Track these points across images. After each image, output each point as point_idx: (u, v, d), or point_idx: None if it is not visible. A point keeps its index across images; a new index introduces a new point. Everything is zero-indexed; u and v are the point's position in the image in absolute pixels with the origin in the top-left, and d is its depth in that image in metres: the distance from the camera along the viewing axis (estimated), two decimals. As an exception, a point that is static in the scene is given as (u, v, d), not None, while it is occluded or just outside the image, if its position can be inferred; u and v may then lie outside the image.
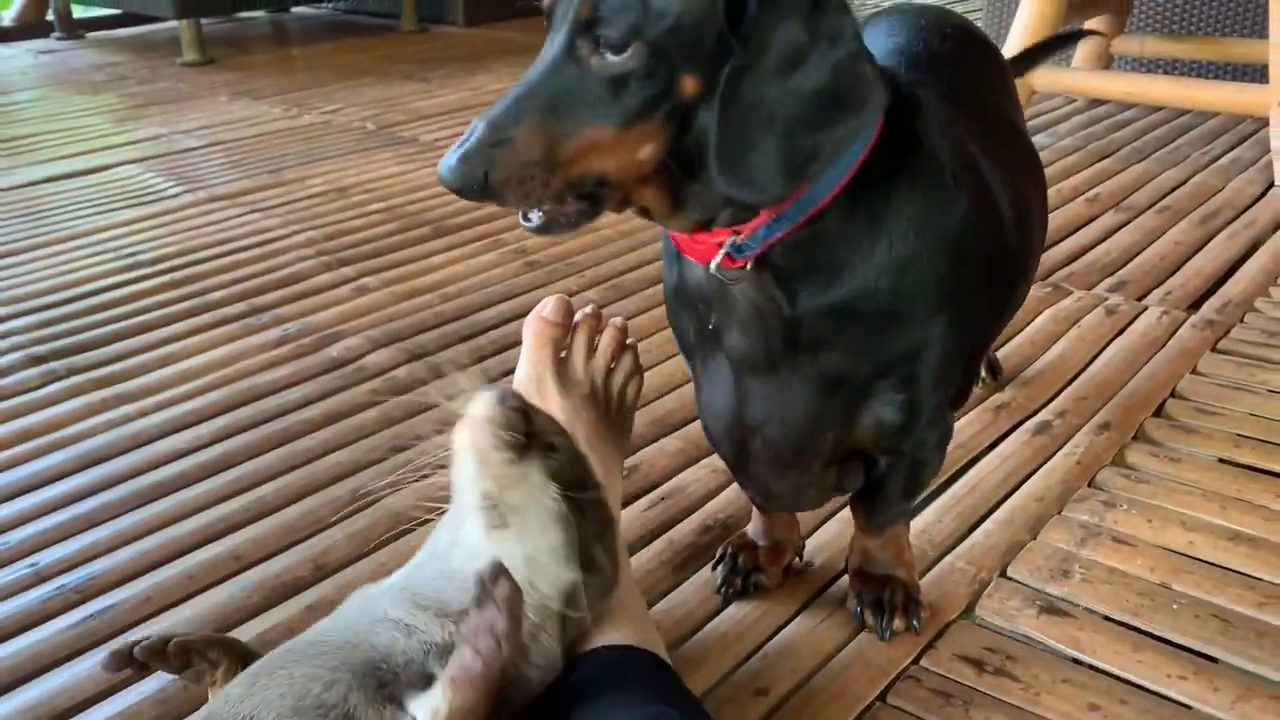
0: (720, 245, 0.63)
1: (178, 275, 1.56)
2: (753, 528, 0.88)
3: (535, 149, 0.56)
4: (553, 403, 0.82)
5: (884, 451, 0.74)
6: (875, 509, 0.79)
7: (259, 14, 4.12)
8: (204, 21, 3.31)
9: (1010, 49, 1.99)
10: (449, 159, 0.56)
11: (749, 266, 0.64)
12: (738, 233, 0.63)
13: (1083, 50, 2.39)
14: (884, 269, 0.65)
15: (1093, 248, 1.59)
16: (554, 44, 0.58)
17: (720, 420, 0.74)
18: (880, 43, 0.86)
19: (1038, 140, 2.12)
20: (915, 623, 0.81)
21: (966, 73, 0.87)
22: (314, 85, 2.89)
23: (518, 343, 1.31)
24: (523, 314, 1.39)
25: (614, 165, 0.58)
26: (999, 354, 1.23)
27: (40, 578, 0.92)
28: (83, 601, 0.89)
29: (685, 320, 0.74)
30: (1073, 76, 2.20)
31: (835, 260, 0.65)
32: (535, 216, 0.60)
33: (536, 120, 0.56)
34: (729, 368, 0.71)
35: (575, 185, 0.58)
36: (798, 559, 0.89)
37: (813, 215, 0.63)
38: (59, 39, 3.74)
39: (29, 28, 3.85)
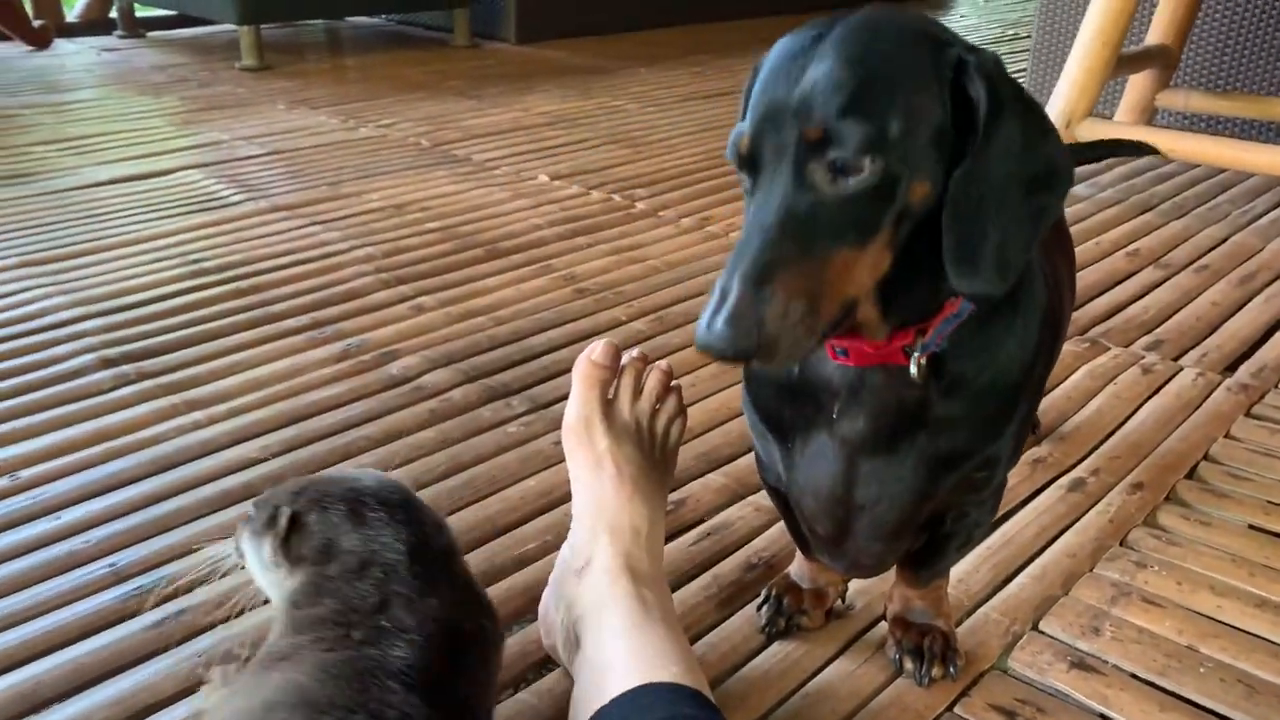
0: (900, 348, 0.64)
1: (242, 284, 1.62)
2: (796, 570, 0.92)
3: (801, 293, 0.54)
4: (600, 442, 0.87)
5: (955, 516, 0.78)
6: (928, 564, 0.83)
7: (316, 22, 4.21)
8: (262, 26, 3.39)
9: (1055, 103, 2.02)
10: (712, 325, 0.53)
11: (925, 362, 0.65)
12: (923, 331, 0.64)
13: (1126, 103, 2.42)
14: (1018, 346, 0.68)
15: (1131, 304, 1.62)
16: (778, 178, 0.56)
17: (822, 500, 0.74)
18: None
19: (1079, 190, 2.16)
20: (952, 670, 0.85)
21: None
22: (369, 97, 2.96)
23: (567, 369, 1.36)
24: (572, 341, 1.46)
25: (863, 284, 0.58)
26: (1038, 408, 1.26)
27: (119, 577, 0.97)
28: (160, 603, 0.94)
29: (789, 409, 0.72)
30: (1115, 130, 2.23)
31: (987, 344, 0.67)
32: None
33: (793, 263, 0.55)
34: (835, 449, 0.70)
35: (834, 316, 0.57)
36: (839, 602, 0.93)
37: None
38: (121, 37, 3.83)
39: (92, 24, 3.95)
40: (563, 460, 1.08)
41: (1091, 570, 1.00)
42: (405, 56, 3.65)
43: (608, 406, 0.89)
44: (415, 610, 0.68)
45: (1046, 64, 2.74)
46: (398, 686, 0.64)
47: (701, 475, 1.15)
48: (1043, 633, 0.92)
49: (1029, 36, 3.09)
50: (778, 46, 0.61)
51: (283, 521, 0.72)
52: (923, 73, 0.58)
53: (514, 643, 0.90)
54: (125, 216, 1.93)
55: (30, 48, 3.58)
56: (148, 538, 1.02)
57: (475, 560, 1.00)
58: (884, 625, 0.91)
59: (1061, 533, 1.06)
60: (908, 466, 0.70)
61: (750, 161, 0.59)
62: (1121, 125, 2.32)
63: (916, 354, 0.64)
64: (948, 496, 0.74)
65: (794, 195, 0.56)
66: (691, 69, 3.44)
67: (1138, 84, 2.38)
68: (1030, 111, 0.60)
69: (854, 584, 0.97)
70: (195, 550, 0.93)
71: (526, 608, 0.94)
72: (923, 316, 0.64)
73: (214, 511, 1.06)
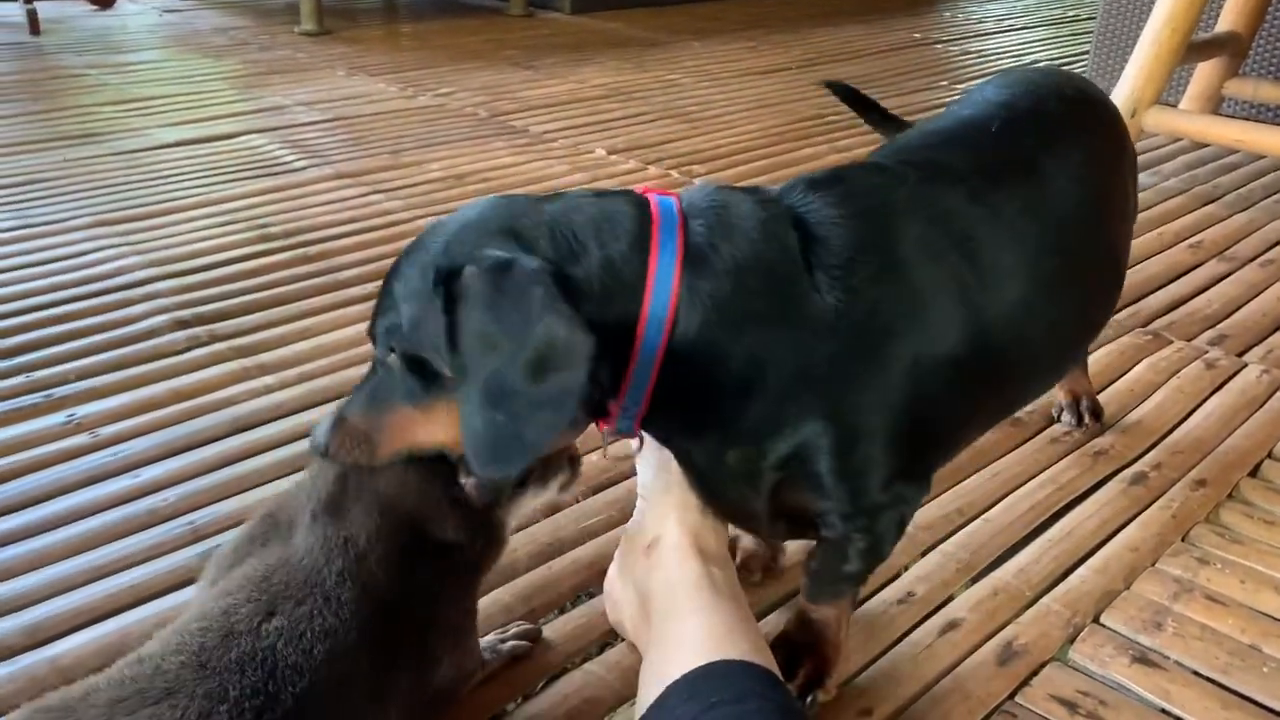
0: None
1: (309, 250, 1.65)
2: None
3: (361, 429, 0.72)
4: None
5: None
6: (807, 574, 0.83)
7: (372, -13, 4.23)
8: (322, -8, 3.42)
9: (1121, 90, 2.00)
10: (314, 436, 0.73)
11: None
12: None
13: (1192, 90, 2.38)
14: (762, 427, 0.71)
15: (1193, 297, 1.61)
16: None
17: None
18: (967, 109, 0.91)
19: (1140, 179, 2.12)
20: (810, 700, 0.82)
21: (1035, 155, 0.85)
22: (426, 66, 2.97)
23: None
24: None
25: (426, 438, 0.71)
26: (1101, 397, 1.26)
27: (198, 536, 1.00)
28: (239, 561, 0.96)
29: None
30: (1182, 119, 2.19)
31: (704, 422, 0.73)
32: None
33: (360, 410, 0.72)
34: None
35: (400, 448, 0.72)
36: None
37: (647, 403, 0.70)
38: (182, -2, 3.88)
39: (154, -15, 3.99)
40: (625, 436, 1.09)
41: (1153, 565, 1.00)
42: (460, 24, 3.66)
43: None
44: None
45: (1110, 47, 2.70)
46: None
47: (763, 456, 1.16)
48: (1104, 626, 0.92)
49: (1092, 18, 3.04)
50: None
51: None
52: (422, 285, 0.67)
53: (580, 615, 0.92)
54: (192, 179, 1.97)
55: (94, 7, 3.63)
56: (226, 497, 1.05)
57: (540, 532, 1.02)
58: (947, 611, 0.92)
59: (1123, 526, 1.06)
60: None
61: None
62: (1189, 114, 2.28)
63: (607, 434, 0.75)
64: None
65: (375, 366, 0.72)
66: (745, 43, 3.42)
67: (1205, 71, 2.34)
68: (503, 297, 0.63)
69: (914, 570, 0.98)
70: None
71: (591, 581, 0.96)
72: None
73: (290, 474, 1.09)
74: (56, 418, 1.18)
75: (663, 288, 0.67)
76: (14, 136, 2.20)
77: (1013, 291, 0.78)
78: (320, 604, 0.66)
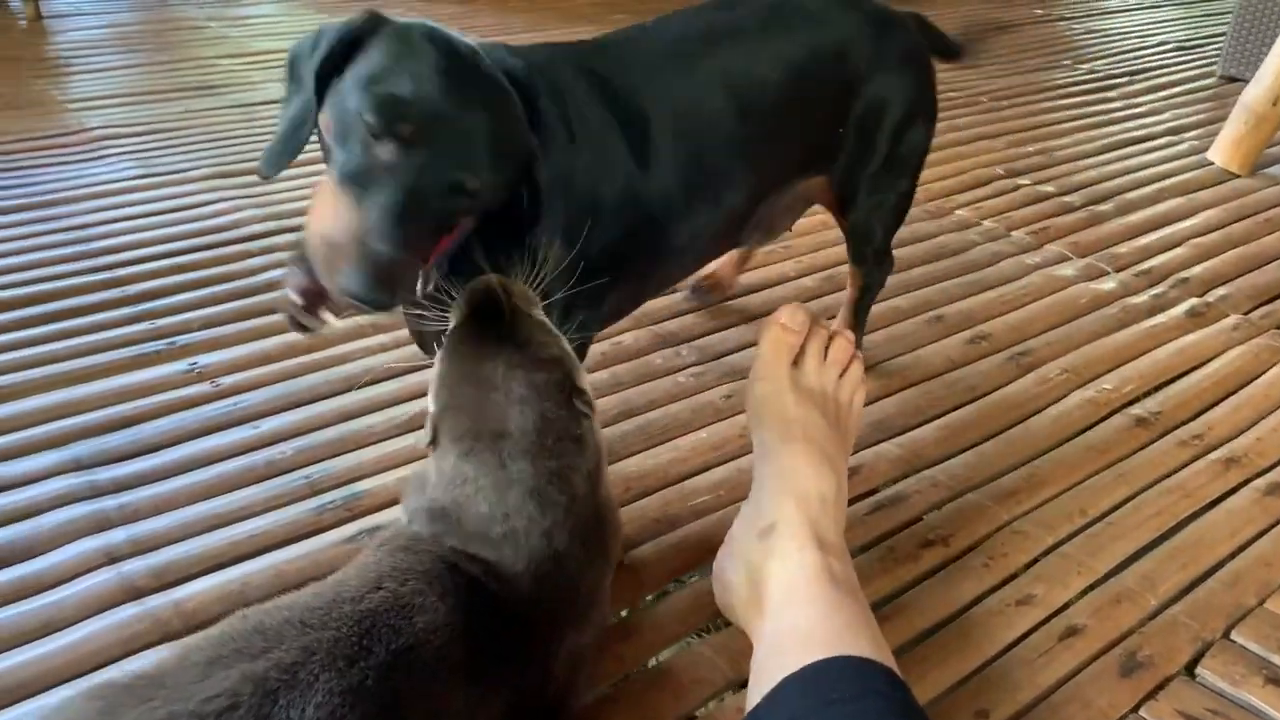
0: None
1: (420, 212, 1.65)
2: None
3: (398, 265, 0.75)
4: (790, 410, 0.87)
5: None
6: None
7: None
8: (433, -49, 3.43)
9: (1263, 82, 1.90)
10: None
11: None
12: None
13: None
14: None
15: (1333, 299, 1.53)
16: None
17: None
18: None
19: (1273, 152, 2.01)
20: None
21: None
22: (536, 27, 2.97)
23: (737, 322, 1.37)
24: (741, 294, 1.45)
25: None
26: (1231, 400, 1.20)
27: (314, 490, 1.02)
28: (352, 519, 0.98)
29: None
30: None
31: None
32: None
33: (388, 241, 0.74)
34: None
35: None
36: None
37: None
38: (297, -47, 3.93)
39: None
40: (734, 414, 1.08)
41: (1289, 582, 0.96)
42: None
43: (795, 371, 0.89)
44: None
45: (1251, 30, 2.55)
46: None
47: (875, 444, 1.14)
48: (1234, 642, 0.88)
49: None
50: None
51: None
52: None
53: (687, 595, 0.92)
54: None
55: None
56: (342, 453, 1.07)
57: (649, 506, 1.02)
58: (1067, 616, 0.90)
59: (1256, 539, 1.01)
60: None
61: None
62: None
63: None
64: None
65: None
66: None
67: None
68: None
69: (1035, 572, 0.95)
70: None
71: (700, 559, 0.94)
72: None
73: (402, 434, 1.10)
74: (179, 365, 1.21)
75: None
76: (138, 86, 2.26)
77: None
78: (424, 585, 0.67)
